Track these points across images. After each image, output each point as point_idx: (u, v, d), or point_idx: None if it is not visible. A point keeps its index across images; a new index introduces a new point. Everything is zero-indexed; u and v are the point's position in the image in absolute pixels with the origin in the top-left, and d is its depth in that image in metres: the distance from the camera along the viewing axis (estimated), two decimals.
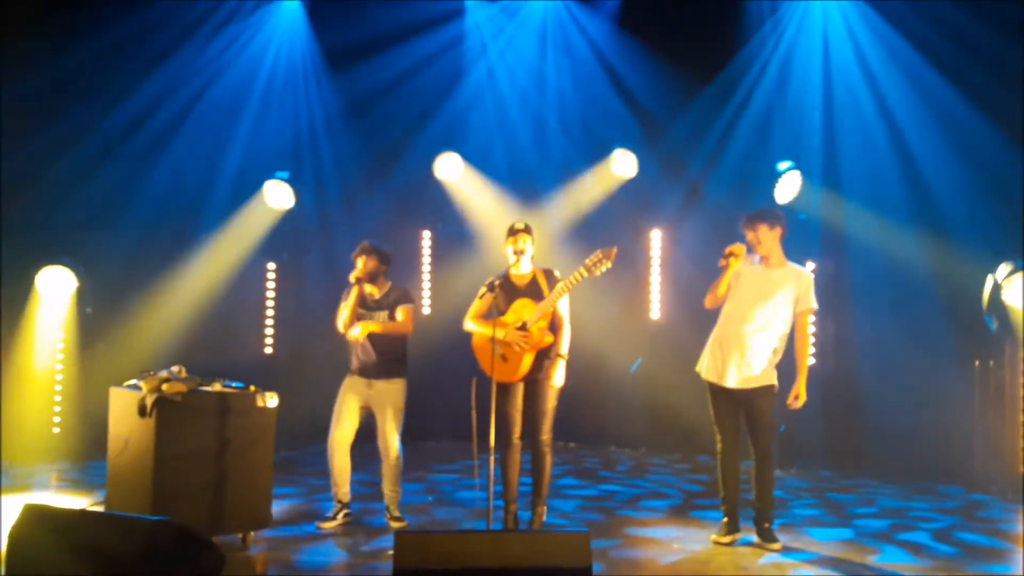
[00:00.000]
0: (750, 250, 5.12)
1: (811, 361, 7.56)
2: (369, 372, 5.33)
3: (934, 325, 7.14)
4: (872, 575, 4.65)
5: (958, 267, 6.98)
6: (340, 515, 5.34)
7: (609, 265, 4.74)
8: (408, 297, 5.50)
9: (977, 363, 6.95)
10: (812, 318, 5.44)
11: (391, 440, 5.30)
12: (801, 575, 4.61)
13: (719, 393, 5.12)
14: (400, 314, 5.37)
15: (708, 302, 5.15)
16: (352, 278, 5.35)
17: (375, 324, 5.32)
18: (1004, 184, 6.83)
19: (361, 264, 5.35)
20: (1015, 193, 6.72)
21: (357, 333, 5.27)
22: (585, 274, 4.77)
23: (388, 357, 5.35)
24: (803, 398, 5.00)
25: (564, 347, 5.01)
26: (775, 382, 5.05)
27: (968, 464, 6.88)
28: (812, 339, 6.23)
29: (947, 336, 7.08)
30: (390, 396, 5.32)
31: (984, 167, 6.93)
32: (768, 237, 5.05)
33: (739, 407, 5.09)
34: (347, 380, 5.41)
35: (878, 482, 7.01)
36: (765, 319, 5.00)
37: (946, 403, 7.07)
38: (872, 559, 4.91)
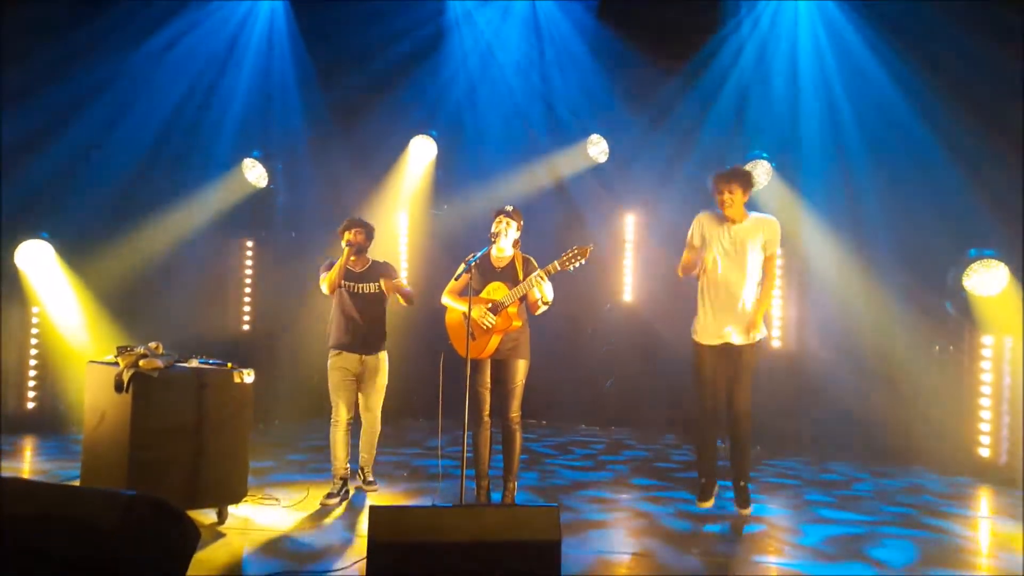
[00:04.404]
0: (718, 209, 5.26)
1: (776, 337, 7.80)
2: (359, 347, 5.48)
3: (895, 310, 7.30)
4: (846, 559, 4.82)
5: (919, 254, 7.16)
6: (342, 491, 5.45)
7: (583, 261, 4.83)
8: (395, 270, 5.68)
9: (937, 348, 7.14)
10: (778, 271, 5.52)
11: (376, 412, 5.56)
12: (771, 561, 4.77)
13: (708, 354, 5.26)
14: (402, 286, 5.58)
15: (680, 272, 5.40)
16: (344, 242, 5.45)
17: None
18: (970, 172, 6.95)
19: (352, 235, 5.48)
20: (980, 181, 6.88)
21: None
22: (559, 267, 4.85)
23: (377, 333, 5.56)
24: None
25: (549, 296, 4.98)
26: (765, 333, 5.28)
27: (926, 447, 7.06)
28: (778, 282, 6.30)
29: (907, 321, 7.24)
30: (379, 371, 5.53)
31: (953, 157, 7.03)
32: (740, 199, 5.23)
33: (728, 366, 5.23)
34: (337, 358, 5.48)
35: (836, 463, 7.20)
36: (746, 274, 5.18)
37: (905, 387, 7.25)
38: (837, 541, 5.09)
